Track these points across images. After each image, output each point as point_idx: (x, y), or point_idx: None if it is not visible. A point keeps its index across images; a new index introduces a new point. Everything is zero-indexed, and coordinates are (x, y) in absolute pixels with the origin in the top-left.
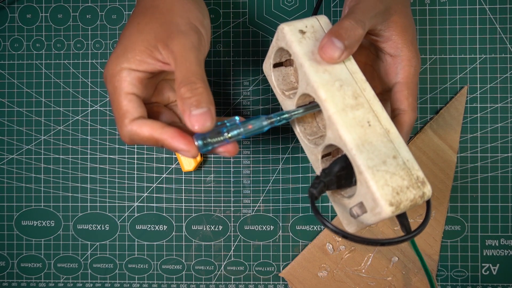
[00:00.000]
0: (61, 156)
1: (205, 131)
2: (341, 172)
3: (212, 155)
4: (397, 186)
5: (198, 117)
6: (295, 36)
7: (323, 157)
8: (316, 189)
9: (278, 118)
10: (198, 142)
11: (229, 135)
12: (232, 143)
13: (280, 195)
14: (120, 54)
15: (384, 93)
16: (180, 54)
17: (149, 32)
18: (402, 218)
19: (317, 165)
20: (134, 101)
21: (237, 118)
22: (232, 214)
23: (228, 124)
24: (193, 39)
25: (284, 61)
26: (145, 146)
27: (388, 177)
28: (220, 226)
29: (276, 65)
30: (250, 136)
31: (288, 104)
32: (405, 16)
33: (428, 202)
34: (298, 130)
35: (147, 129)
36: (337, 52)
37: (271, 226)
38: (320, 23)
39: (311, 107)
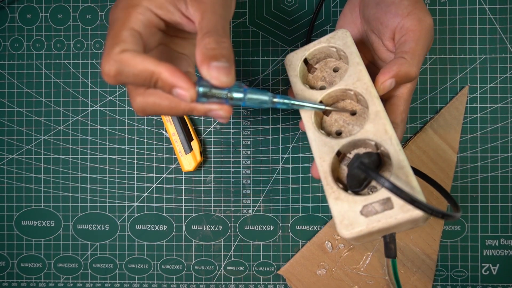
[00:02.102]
0: (61, 156)
1: (223, 85)
2: (373, 165)
3: (212, 156)
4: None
5: (219, 69)
6: (354, 42)
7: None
8: (366, 159)
9: (282, 100)
10: (199, 89)
11: (232, 95)
12: (229, 105)
13: (280, 195)
14: None
15: None
16: (211, 6)
17: None
18: (390, 238)
19: (327, 158)
20: (137, 37)
21: (243, 84)
22: (232, 214)
23: (234, 86)
24: None
25: (309, 64)
26: (145, 146)
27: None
28: (220, 226)
29: (303, 61)
30: (249, 106)
31: (309, 94)
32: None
33: (447, 193)
34: (312, 119)
35: (141, 60)
36: (388, 91)
37: (271, 226)
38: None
39: (316, 106)
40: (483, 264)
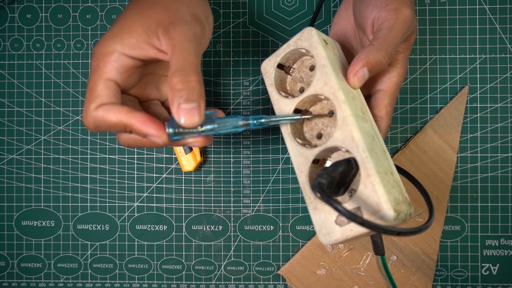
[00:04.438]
0: (61, 156)
1: (192, 126)
2: (342, 175)
3: (212, 156)
4: (396, 197)
5: (187, 111)
6: (321, 41)
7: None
8: (325, 179)
9: (255, 121)
10: (169, 130)
11: (202, 128)
12: (203, 136)
13: (280, 195)
14: (116, 34)
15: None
16: (180, 43)
17: (151, 16)
18: (377, 236)
19: (304, 169)
20: (111, 88)
21: (215, 112)
22: (232, 214)
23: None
24: (195, 30)
25: (286, 67)
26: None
27: (390, 187)
28: (220, 226)
29: (277, 67)
30: (223, 133)
31: (284, 103)
32: (415, 32)
33: (428, 198)
34: (289, 130)
35: (114, 114)
36: (363, 81)
37: (271, 226)
38: (336, 45)
39: (293, 118)
40: (483, 264)
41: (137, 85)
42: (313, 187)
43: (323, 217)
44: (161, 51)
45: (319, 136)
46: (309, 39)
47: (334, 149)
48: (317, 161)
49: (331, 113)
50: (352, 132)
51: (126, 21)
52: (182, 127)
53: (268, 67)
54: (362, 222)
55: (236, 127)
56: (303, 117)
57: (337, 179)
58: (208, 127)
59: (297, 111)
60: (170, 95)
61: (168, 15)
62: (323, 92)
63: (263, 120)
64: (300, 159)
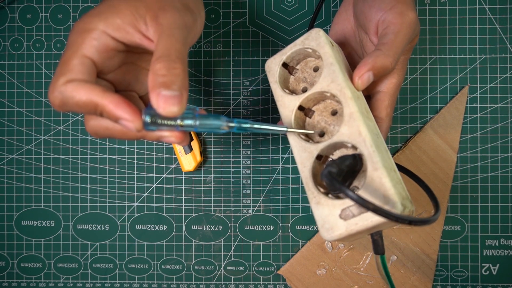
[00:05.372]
0: (61, 156)
1: (170, 115)
2: (349, 169)
3: (212, 156)
4: (401, 193)
5: (167, 99)
6: (328, 41)
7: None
8: (335, 168)
9: (238, 125)
10: (146, 118)
11: (182, 123)
12: (180, 131)
13: (280, 195)
14: (101, 12)
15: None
16: (168, 28)
17: (141, 0)
18: (377, 235)
19: (307, 163)
20: (86, 65)
21: (197, 108)
22: (232, 214)
23: (185, 112)
24: (186, 19)
25: (289, 67)
26: (145, 146)
27: (395, 183)
28: (220, 226)
29: (282, 65)
30: (203, 132)
31: (289, 99)
32: (418, 35)
33: (431, 192)
34: (293, 125)
35: (85, 92)
36: (367, 84)
37: (271, 226)
38: (339, 49)
39: (278, 129)
40: (483, 264)
41: (116, 71)
42: (322, 175)
43: (327, 212)
44: (147, 38)
45: (322, 135)
46: (317, 39)
47: (338, 146)
48: (320, 158)
49: (334, 113)
50: (359, 127)
51: (113, 1)
52: (160, 116)
53: (273, 65)
54: (375, 209)
55: (218, 127)
56: (289, 130)
57: (345, 171)
58: (189, 122)
59: (301, 108)
60: (151, 81)
61: (159, 0)
62: (330, 89)
63: (246, 126)
64: (304, 154)
